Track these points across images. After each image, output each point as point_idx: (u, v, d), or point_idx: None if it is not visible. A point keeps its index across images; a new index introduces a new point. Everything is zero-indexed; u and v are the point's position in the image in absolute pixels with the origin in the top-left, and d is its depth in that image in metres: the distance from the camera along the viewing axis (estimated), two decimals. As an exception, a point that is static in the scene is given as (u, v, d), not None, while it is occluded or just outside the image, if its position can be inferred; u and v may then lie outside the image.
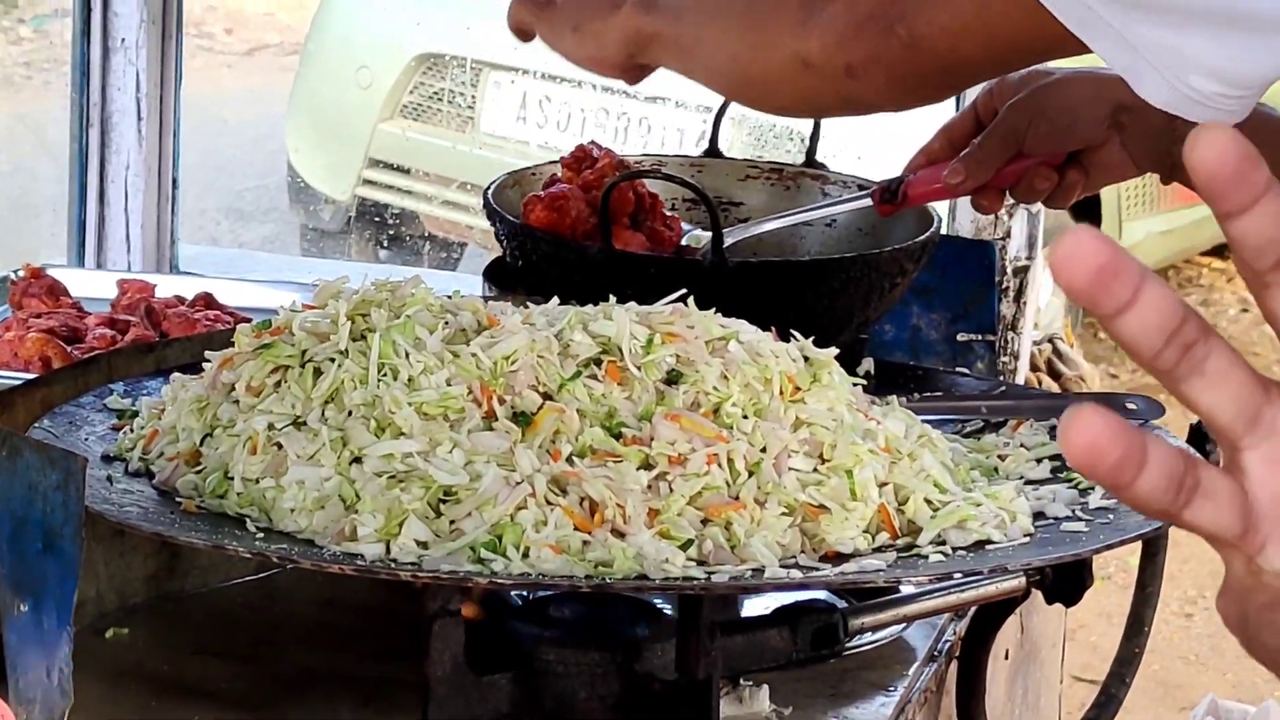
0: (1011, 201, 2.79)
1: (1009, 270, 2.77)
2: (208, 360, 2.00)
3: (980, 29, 1.80)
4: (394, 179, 6.54)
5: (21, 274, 2.65)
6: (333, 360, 1.88)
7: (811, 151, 2.59)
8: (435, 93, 6.42)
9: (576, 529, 1.74)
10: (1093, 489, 1.97)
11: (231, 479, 1.84)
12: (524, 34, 2.37)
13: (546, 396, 1.86)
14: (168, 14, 3.09)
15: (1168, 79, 1.63)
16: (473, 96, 6.35)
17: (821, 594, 1.94)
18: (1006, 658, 2.30)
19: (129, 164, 3.08)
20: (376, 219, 6.66)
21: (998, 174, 2.22)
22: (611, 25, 2.13)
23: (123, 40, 3.05)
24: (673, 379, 1.89)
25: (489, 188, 2.49)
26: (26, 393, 2.03)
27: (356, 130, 6.58)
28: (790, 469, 1.82)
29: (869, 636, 2.01)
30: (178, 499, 1.84)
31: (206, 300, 2.63)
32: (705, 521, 1.78)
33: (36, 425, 1.97)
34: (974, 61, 1.97)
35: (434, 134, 6.40)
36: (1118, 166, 2.25)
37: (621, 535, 1.75)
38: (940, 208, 2.68)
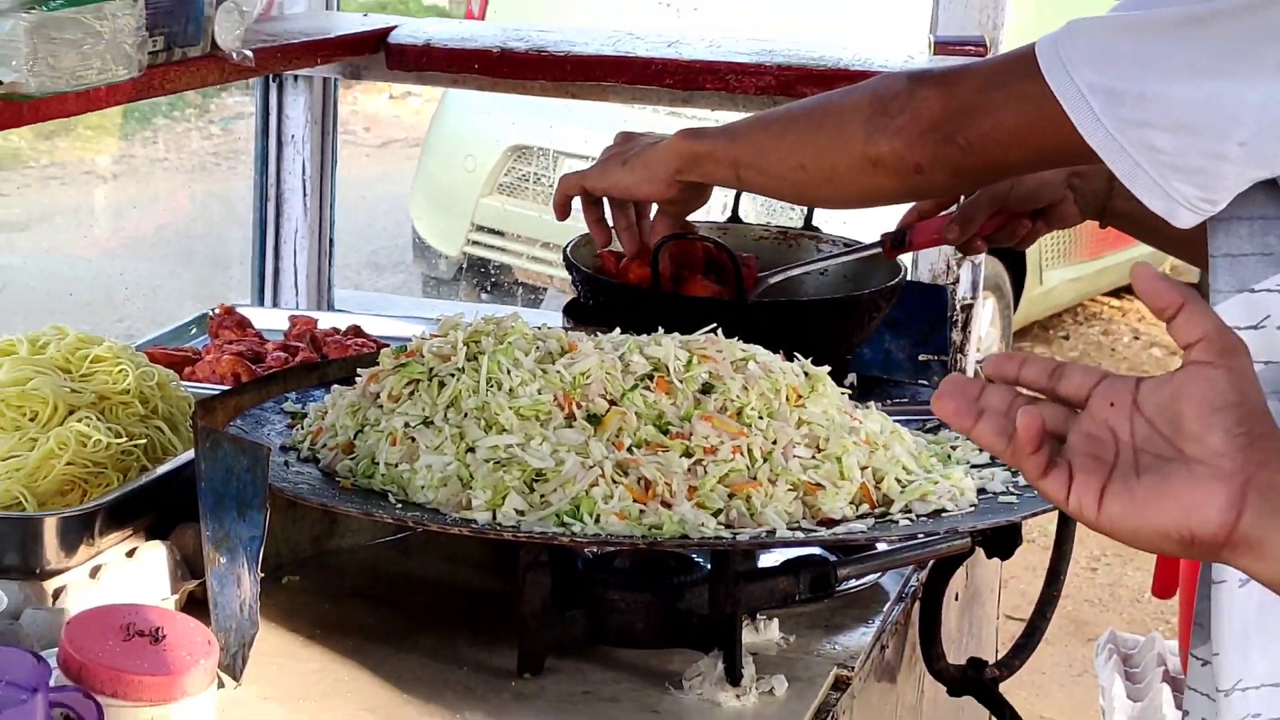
0: (960, 256, 2.79)
1: (958, 307, 2.76)
2: (358, 375, 2.02)
3: (1026, 140, 1.75)
4: (493, 240, 6.53)
5: (217, 311, 2.66)
6: (453, 375, 1.89)
7: (809, 218, 2.58)
8: (524, 174, 6.41)
9: (634, 501, 1.75)
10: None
11: (377, 464, 1.85)
12: (565, 210, 2.34)
13: (612, 402, 1.85)
14: (325, 117, 3.11)
15: (1159, 184, 1.61)
16: (552, 177, 6.34)
17: (817, 550, 1.93)
18: (956, 599, 2.30)
19: (297, 228, 3.10)
20: (480, 270, 6.67)
21: (981, 227, 2.21)
22: (660, 151, 2.11)
23: (292, 136, 3.07)
24: (706, 389, 1.89)
25: (567, 246, 2.47)
26: (223, 400, 2.04)
27: (464, 203, 6.58)
28: (794, 456, 1.83)
29: (853, 583, 2.01)
30: (336, 479, 1.86)
31: (355, 330, 2.64)
32: (731, 495, 1.78)
33: (231, 424, 1.99)
34: (1019, 164, 1.93)
35: (523, 206, 6.38)
36: (1070, 216, 2.22)
37: (668, 505, 1.75)
38: (905, 260, 2.67)
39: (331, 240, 3.19)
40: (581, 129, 6.07)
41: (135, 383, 2.08)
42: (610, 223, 2.26)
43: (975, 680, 2.10)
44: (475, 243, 6.58)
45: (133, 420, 2.04)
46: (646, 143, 2.14)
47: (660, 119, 6.01)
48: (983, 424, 1.18)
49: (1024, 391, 1.20)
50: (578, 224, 2.27)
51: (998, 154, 1.84)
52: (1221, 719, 1.71)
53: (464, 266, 6.67)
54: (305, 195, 3.10)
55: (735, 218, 2.60)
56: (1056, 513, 1.98)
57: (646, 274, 2.27)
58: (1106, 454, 1.15)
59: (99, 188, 9.15)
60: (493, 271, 6.72)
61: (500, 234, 6.54)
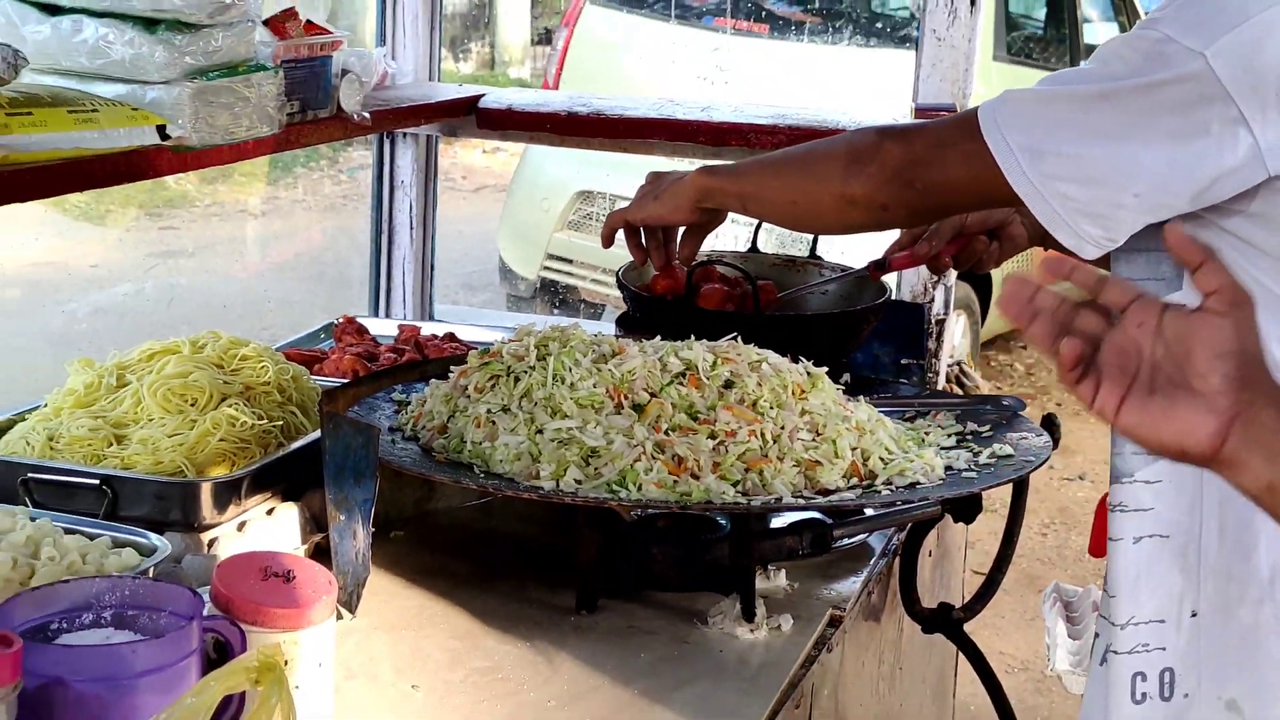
0: (935, 279, 2.78)
1: (933, 322, 2.75)
2: (451, 371, 2.02)
3: (969, 188, 1.79)
4: (563, 267, 6.53)
5: (341, 321, 2.67)
6: (526, 372, 1.90)
7: (813, 248, 2.58)
8: (588, 214, 6.40)
9: (669, 473, 1.75)
10: (982, 451, 1.97)
11: (465, 442, 1.85)
12: (610, 239, 2.35)
13: (652, 394, 1.85)
14: (428, 167, 3.12)
15: (1070, 225, 1.64)
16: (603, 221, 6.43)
17: (816, 514, 1.93)
18: (930, 555, 2.29)
19: (405, 255, 3.11)
20: (552, 290, 6.68)
21: (946, 246, 2.21)
22: (683, 185, 2.12)
23: (402, 182, 3.08)
24: (728, 385, 1.88)
25: (619, 271, 2.48)
26: (344, 391, 2.05)
27: (540, 236, 6.58)
28: (798, 439, 1.83)
29: (845, 541, 2.02)
30: (432, 454, 1.87)
31: (450, 336, 2.64)
32: (747, 470, 1.78)
33: (350, 410, 1.99)
34: (965, 205, 1.99)
35: (587, 239, 6.38)
36: (1019, 238, 2.19)
37: (696, 477, 1.75)
38: (890, 281, 2.67)
39: (432, 265, 3.20)
40: (633, 177, 6.10)
41: (274, 376, 2.08)
42: (645, 246, 2.27)
43: (944, 621, 2.11)
44: (548, 268, 6.59)
45: (272, 406, 2.04)
46: (672, 179, 2.15)
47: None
48: (1036, 325, 1.20)
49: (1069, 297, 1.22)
50: (626, 253, 2.27)
51: (947, 197, 1.87)
52: (1117, 645, 1.73)
53: (539, 287, 6.69)
54: (411, 229, 3.12)
55: (754, 248, 2.60)
56: (1011, 486, 2.01)
57: (671, 285, 2.32)
58: (1130, 367, 1.18)
59: (250, 223, 9.20)
60: (562, 291, 6.74)
61: (569, 261, 6.54)
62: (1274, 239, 1.64)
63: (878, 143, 1.88)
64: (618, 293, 2.51)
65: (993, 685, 2.18)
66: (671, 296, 2.31)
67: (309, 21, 2.29)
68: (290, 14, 2.25)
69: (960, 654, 2.27)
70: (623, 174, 6.19)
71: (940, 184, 1.83)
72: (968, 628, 2.13)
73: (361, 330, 2.67)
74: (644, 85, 6.21)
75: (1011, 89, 1.73)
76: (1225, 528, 1.68)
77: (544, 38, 14.01)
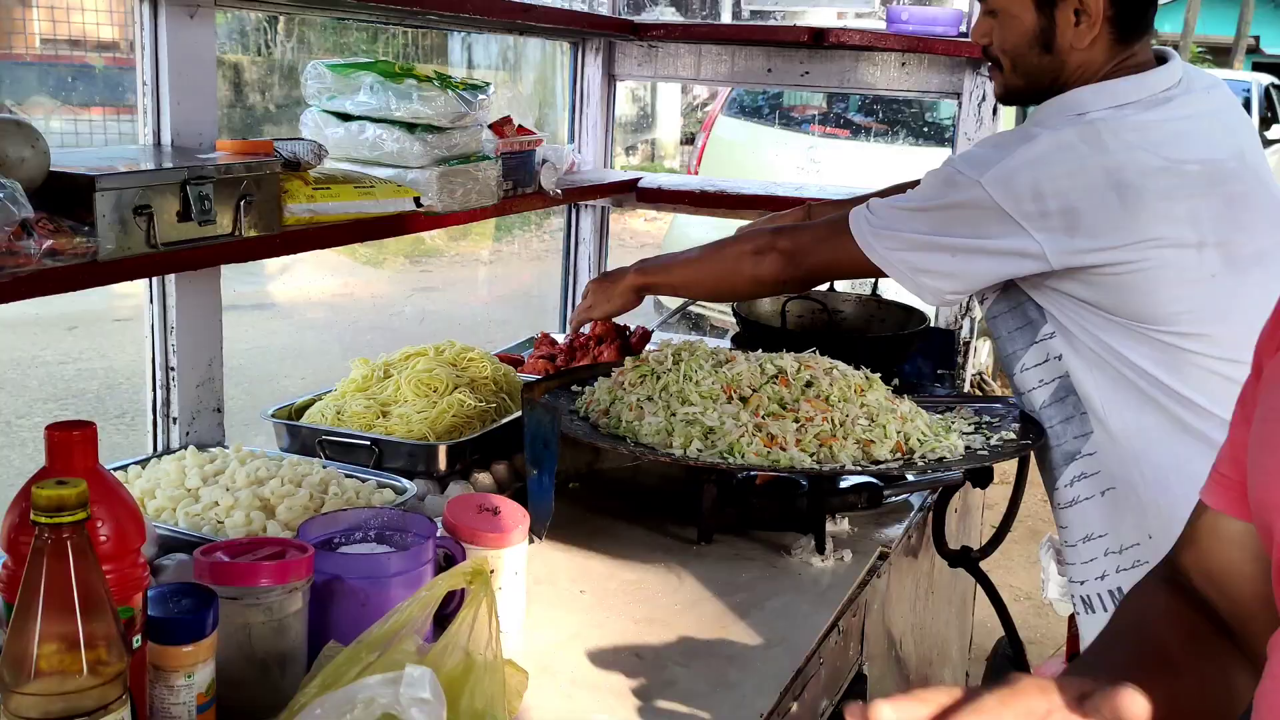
0: (965, 310, 2.74)
1: (961, 344, 2.70)
2: (614, 371, 2.00)
3: (842, 267, 1.91)
4: (696, 306, 6.52)
5: (539, 335, 2.70)
6: (665, 372, 1.87)
7: (875, 288, 2.55)
8: None
9: (765, 446, 1.72)
10: (993, 436, 1.92)
11: (621, 421, 1.82)
12: (577, 334, 2.38)
13: (754, 390, 1.82)
14: (603, 230, 3.12)
15: (918, 287, 1.77)
16: None
17: (871, 479, 1.92)
18: (955, 511, 2.24)
19: (582, 287, 3.13)
20: (688, 317, 6.65)
21: None
22: (628, 286, 2.13)
23: (584, 240, 3.10)
24: (808, 385, 1.85)
25: (734, 305, 2.47)
26: (538, 384, 2.03)
27: None
28: (858, 423, 1.80)
29: (892, 499, 2.00)
30: (598, 429, 1.84)
31: (642, 332, 2.66)
32: (820, 445, 1.75)
33: (543, 397, 2.01)
34: (842, 275, 2.07)
35: None
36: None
37: (784, 449, 1.73)
38: (929, 311, 2.62)
39: None
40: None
41: (491, 373, 2.11)
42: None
43: (965, 559, 2.07)
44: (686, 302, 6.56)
45: (489, 393, 2.06)
46: (615, 281, 2.17)
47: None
48: None
49: None
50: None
51: (826, 274, 2.03)
52: (1079, 575, 1.86)
53: (680, 316, 6.65)
54: (589, 272, 3.12)
55: (832, 288, 2.55)
56: (1016, 461, 1.95)
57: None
58: None
59: (481, 268, 9.32)
60: (694, 318, 6.69)
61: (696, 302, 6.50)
62: (1089, 292, 1.68)
63: (772, 240, 1.94)
64: (733, 319, 2.50)
65: (1001, 609, 2.13)
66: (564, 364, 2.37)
67: (520, 125, 2.30)
68: (507, 120, 2.26)
69: (977, 585, 2.21)
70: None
71: (820, 266, 1.93)
72: (983, 565, 2.08)
73: (552, 342, 2.67)
74: (758, 172, 6.13)
75: (872, 200, 1.83)
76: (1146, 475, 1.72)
77: (689, 139, 14.02)
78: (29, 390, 5.47)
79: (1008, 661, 2.22)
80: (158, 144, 1.70)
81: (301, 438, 1.90)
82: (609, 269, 2.44)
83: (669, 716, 1.37)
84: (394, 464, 1.85)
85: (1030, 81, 1.76)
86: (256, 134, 1.57)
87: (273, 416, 1.95)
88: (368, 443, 1.86)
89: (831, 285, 2.53)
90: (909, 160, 6.29)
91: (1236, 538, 1.02)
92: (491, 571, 1.26)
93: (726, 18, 3.25)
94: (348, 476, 1.72)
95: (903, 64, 2.71)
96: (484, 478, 1.91)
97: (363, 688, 0.89)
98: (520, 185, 2.30)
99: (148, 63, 1.68)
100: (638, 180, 2.87)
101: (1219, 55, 20.03)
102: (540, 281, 8.87)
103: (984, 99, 2.65)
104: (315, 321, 7.19)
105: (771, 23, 2.98)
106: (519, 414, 1.95)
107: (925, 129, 6.51)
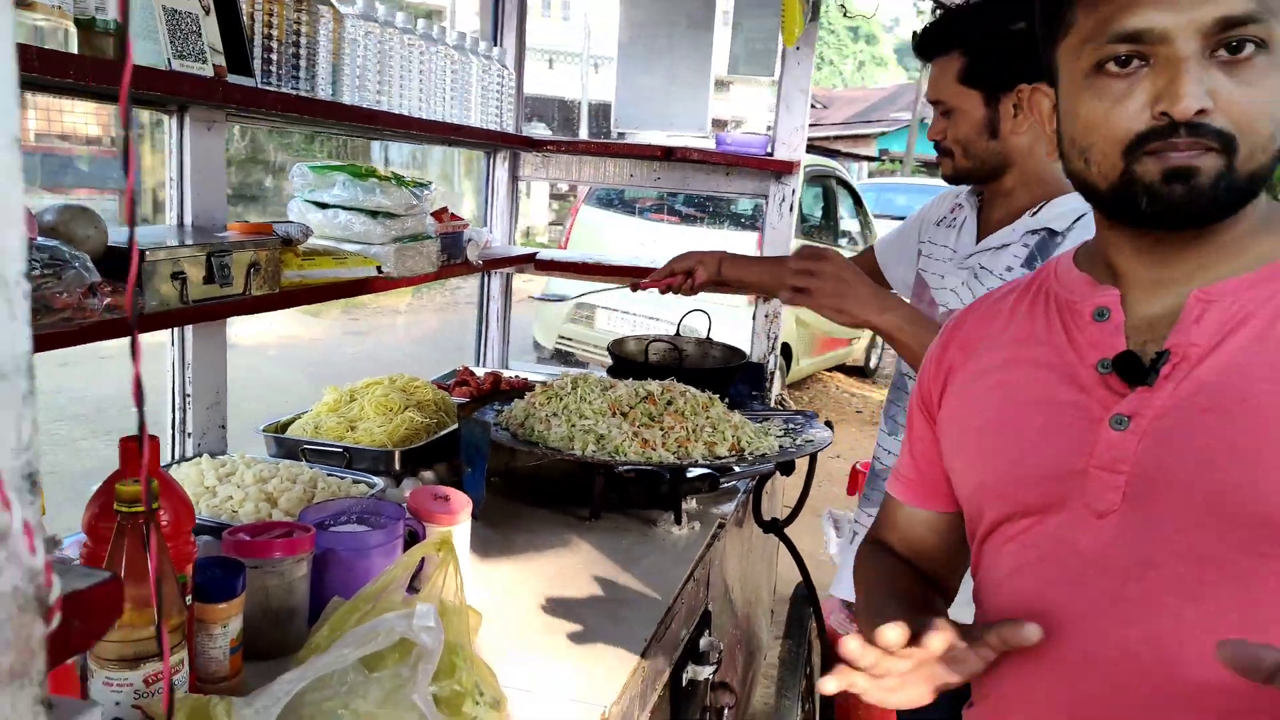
0: (771, 349, 2.78)
1: (768, 372, 2.76)
2: (527, 394, 2.00)
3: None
4: (569, 345, 6.45)
5: (460, 369, 2.65)
6: (567, 394, 1.87)
7: (709, 332, 2.53)
8: (587, 316, 6.25)
9: (640, 448, 1.74)
10: (796, 439, 1.94)
11: (535, 431, 1.82)
12: (660, 280, 2.11)
13: (631, 407, 1.84)
14: (508, 289, 3.02)
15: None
16: (594, 319, 6.29)
17: (712, 470, 1.91)
18: (767, 494, 2.24)
19: (492, 334, 3.04)
20: (561, 354, 6.63)
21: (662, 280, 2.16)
22: (711, 259, 1.97)
23: (493, 297, 3.03)
24: (669, 403, 1.87)
25: (610, 345, 2.45)
26: (469, 405, 2.03)
27: (556, 325, 6.45)
28: (704, 430, 1.82)
29: (725, 484, 2.01)
30: (517, 437, 1.84)
31: (524, 380, 2.64)
32: (679, 446, 1.77)
33: (475, 415, 1.98)
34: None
35: (584, 328, 6.30)
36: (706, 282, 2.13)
37: (654, 450, 1.75)
38: (746, 347, 2.65)
39: (506, 340, 3.13)
40: (608, 297, 6.05)
41: (433, 396, 2.08)
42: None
43: (775, 527, 2.08)
44: (559, 341, 6.52)
45: (431, 412, 2.03)
46: (705, 253, 2.07)
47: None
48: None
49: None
50: (605, 334, 2.25)
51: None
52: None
53: (554, 354, 6.63)
54: (498, 320, 3.07)
55: (678, 333, 2.54)
56: (809, 457, 1.96)
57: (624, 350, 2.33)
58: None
59: (399, 317, 9.14)
60: (568, 355, 6.67)
61: (570, 339, 6.43)
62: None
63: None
64: (600, 355, 2.50)
65: (799, 563, 2.15)
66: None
67: (453, 214, 2.29)
68: (444, 210, 2.25)
69: (781, 545, 2.22)
70: (602, 294, 6.20)
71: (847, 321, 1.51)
72: (787, 531, 2.10)
73: (470, 374, 2.64)
74: (611, 248, 6.17)
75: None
76: None
77: (555, 221, 14.06)
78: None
79: (804, 600, 2.25)
80: (181, 224, 1.66)
81: (287, 447, 1.85)
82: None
83: (579, 639, 1.37)
84: (360, 466, 1.82)
85: (977, 164, 1.58)
86: (235, 214, 1.51)
87: (264, 430, 1.90)
88: (340, 449, 1.83)
89: (678, 329, 2.55)
90: (721, 241, 6.47)
91: (921, 522, 1.01)
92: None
93: (584, 133, 3.28)
94: (329, 475, 1.69)
95: (727, 173, 2.78)
96: (428, 474, 1.89)
97: (382, 621, 0.90)
98: (453, 257, 2.28)
99: (174, 162, 1.64)
100: (535, 254, 2.88)
101: (931, 168, 21.11)
102: (445, 327, 8.74)
103: (783, 200, 2.74)
104: (271, 359, 6.94)
105: (633, 141, 3.04)
106: (455, 426, 1.93)
107: (734, 217, 6.70)
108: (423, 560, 1.27)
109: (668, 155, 2.62)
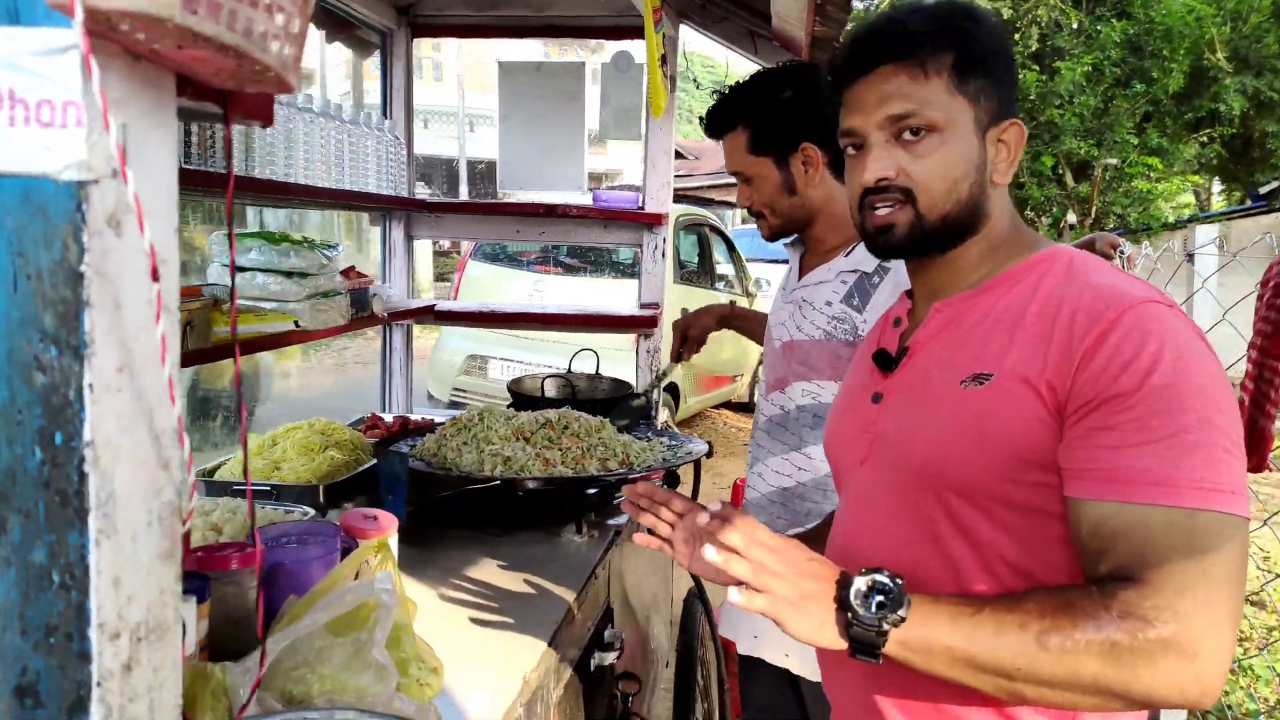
0: (656, 383, 2.72)
1: (652, 403, 2.71)
2: (437, 428, 2.05)
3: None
4: (464, 396, 6.23)
5: (369, 415, 2.65)
6: (475, 424, 1.95)
7: (597, 368, 2.60)
8: (480, 366, 6.14)
9: (542, 466, 1.82)
10: (679, 453, 2.00)
11: (447, 458, 1.87)
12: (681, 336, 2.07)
13: (533, 433, 1.91)
14: (409, 341, 3.02)
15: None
16: (487, 371, 6.12)
17: (609, 481, 1.97)
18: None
19: (398, 382, 3.01)
20: (457, 405, 6.49)
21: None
22: (718, 309, 1.96)
23: (396, 348, 2.97)
24: (565, 428, 1.95)
25: (509, 384, 2.49)
26: (383, 442, 2.09)
27: (450, 377, 6.25)
28: (597, 449, 1.91)
29: (619, 497, 2.02)
30: (431, 466, 1.87)
31: (427, 422, 2.62)
32: (575, 463, 1.85)
33: (392, 448, 2.03)
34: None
35: (478, 379, 6.12)
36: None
37: (554, 467, 1.83)
38: (633, 381, 2.71)
39: (410, 389, 3.07)
40: (505, 349, 5.93)
41: (350, 437, 2.12)
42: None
43: None
44: (454, 394, 6.36)
45: (348, 451, 2.07)
46: (706, 311, 2.04)
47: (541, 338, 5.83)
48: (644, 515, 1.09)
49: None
50: (503, 381, 2.27)
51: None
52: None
53: (450, 405, 6.49)
54: (400, 371, 3.04)
55: (570, 370, 2.60)
56: (692, 467, 2.09)
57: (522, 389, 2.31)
58: (690, 540, 1.07)
59: (292, 379, 8.97)
60: (462, 404, 6.52)
61: (464, 391, 6.30)
62: None
63: None
64: (496, 404, 2.40)
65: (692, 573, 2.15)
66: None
67: (360, 272, 2.33)
68: (351, 268, 2.30)
69: None
70: (498, 345, 6.07)
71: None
72: None
73: (380, 419, 2.68)
74: (500, 299, 6.15)
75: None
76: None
77: (440, 276, 14.00)
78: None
79: (697, 600, 2.29)
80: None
81: (218, 489, 1.90)
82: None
83: (499, 628, 1.48)
84: (288, 500, 1.84)
85: (786, 219, 1.62)
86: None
87: (196, 475, 1.97)
88: (269, 488, 1.88)
89: (598, 367, 2.58)
90: (603, 288, 6.60)
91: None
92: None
93: (464, 191, 3.33)
94: (265, 507, 1.77)
95: (605, 226, 2.92)
96: (349, 506, 1.93)
97: (347, 589, 1.07)
98: (360, 310, 2.32)
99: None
100: (434, 305, 2.94)
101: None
102: (337, 387, 8.59)
103: (656, 248, 2.91)
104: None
105: (517, 200, 3.13)
106: (374, 461, 1.98)
107: (614, 266, 6.89)
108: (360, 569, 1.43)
109: (549, 212, 2.75)
